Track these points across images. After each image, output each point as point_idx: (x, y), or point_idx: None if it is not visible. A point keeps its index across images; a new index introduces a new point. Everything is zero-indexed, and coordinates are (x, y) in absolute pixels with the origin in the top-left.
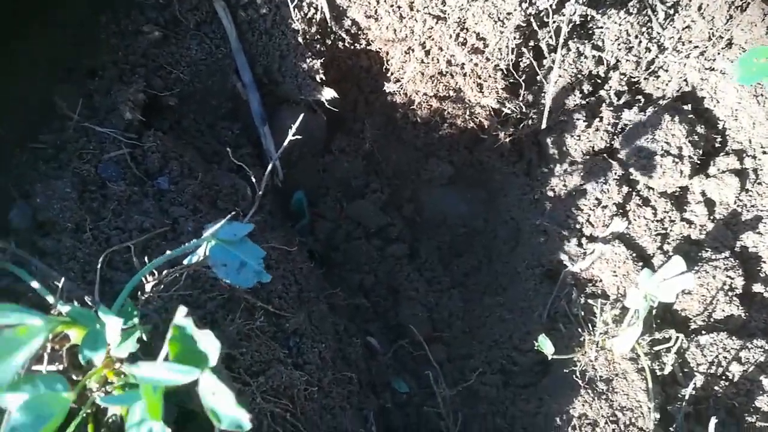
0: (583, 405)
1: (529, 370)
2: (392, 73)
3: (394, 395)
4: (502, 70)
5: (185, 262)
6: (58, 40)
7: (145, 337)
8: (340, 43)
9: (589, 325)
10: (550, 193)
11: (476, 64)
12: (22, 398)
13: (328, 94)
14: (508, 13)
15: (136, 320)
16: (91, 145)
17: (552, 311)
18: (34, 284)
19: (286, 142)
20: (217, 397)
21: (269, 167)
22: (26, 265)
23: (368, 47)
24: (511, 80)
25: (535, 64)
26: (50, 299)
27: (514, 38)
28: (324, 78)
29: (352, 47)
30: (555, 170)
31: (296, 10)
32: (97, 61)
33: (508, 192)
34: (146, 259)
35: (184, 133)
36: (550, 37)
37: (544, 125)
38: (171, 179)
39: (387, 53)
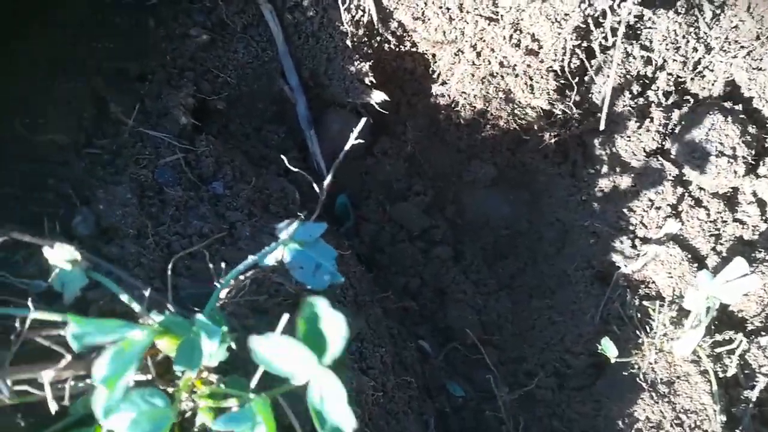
0: (645, 408)
1: (582, 372)
2: (439, 75)
3: (450, 399)
4: (555, 71)
5: (260, 265)
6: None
7: (234, 345)
8: (386, 46)
9: (646, 327)
10: (599, 194)
11: (529, 66)
12: (128, 417)
13: (377, 96)
14: (566, 14)
15: (225, 328)
16: (147, 150)
17: (605, 313)
18: (122, 294)
19: (347, 147)
20: (326, 400)
21: (330, 172)
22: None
23: (412, 49)
24: (562, 81)
25: (587, 64)
26: (136, 308)
27: (571, 39)
28: (374, 81)
29: (397, 49)
30: (603, 171)
31: (344, 12)
32: (146, 65)
33: (553, 193)
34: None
35: (231, 137)
36: (603, 38)
37: (602, 127)
38: (225, 184)
39: (433, 56)
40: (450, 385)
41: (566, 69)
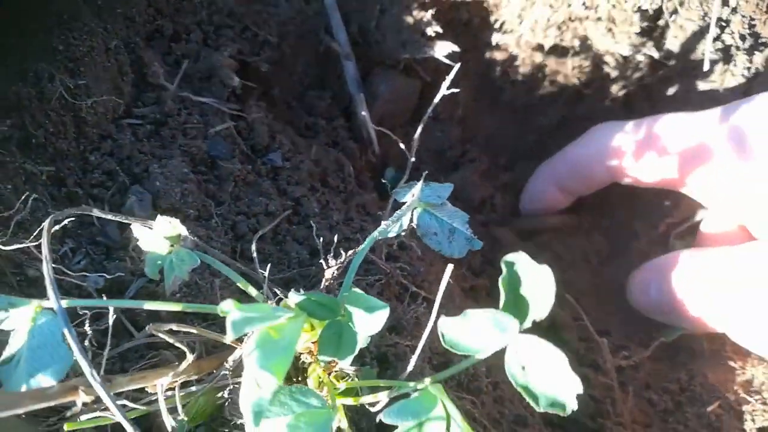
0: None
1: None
2: (502, 25)
3: None
4: (644, 11)
5: (380, 236)
6: None
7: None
8: None
9: None
10: None
11: (614, 6)
12: (277, 425)
13: (443, 48)
14: None
15: (386, 313)
16: (194, 118)
17: None
18: (235, 277)
19: (436, 99)
20: (534, 368)
21: (417, 132)
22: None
23: None
24: (646, 24)
25: (667, 5)
26: (253, 293)
27: None
28: (439, 30)
29: None
30: None
31: None
32: (179, 22)
33: None
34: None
35: (273, 104)
36: None
37: (706, 67)
38: (283, 155)
39: (495, 4)
40: None
41: (652, 8)
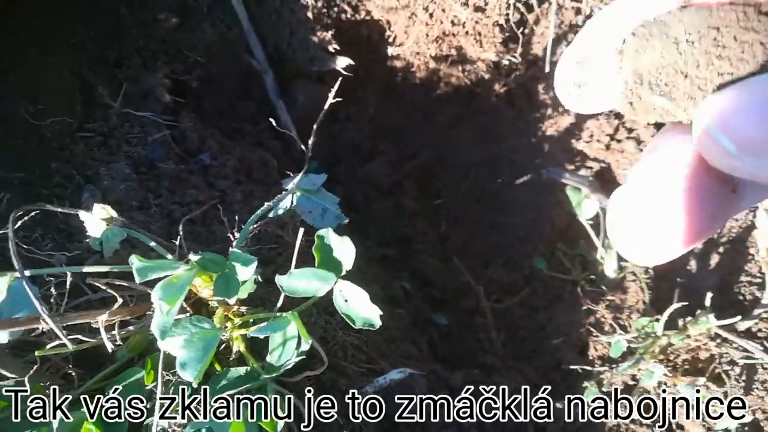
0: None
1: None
2: (394, 39)
3: (438, 329)
4: (500, 25)
5: (271, 214)
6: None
7: (260, 279)
8: (343, 15)
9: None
10: (550, 132)
11: (477, 22)
12: (179, 340)
13: (342, 62)
14: None
15: (254, 264)
16: (135, 129)
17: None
18: (155, 244)
19: (326, 105)
20: (351, 301)
21: (312, 133)
22: None
23: (367, 17)
24: (507, 34)
25: (527, 17)
26: (169, 257)
27: None
28: (337, 47)
29: (354, 18)
30: (548, 113)
31: None
32: (122, 51)
33: (508, 139)
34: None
35: (205, 114)
36: None
37: (548, 69)
38: (211, 155)
39: (388, 21)
40: (435, 317)
41: (510, 22)
